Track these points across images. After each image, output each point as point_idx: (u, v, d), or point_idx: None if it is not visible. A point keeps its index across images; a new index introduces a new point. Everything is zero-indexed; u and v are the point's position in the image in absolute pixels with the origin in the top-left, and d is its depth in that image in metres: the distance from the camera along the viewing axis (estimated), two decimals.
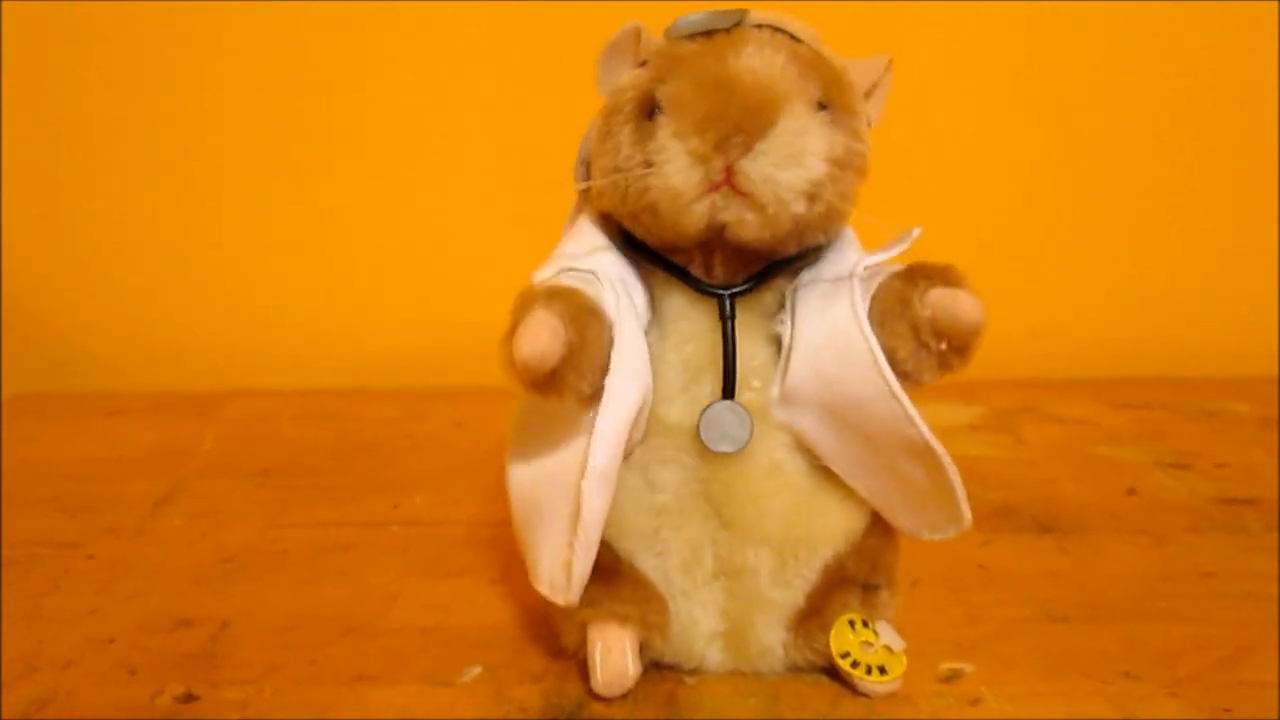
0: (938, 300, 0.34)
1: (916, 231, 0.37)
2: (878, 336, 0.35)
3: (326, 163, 0.81)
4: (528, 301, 0.33)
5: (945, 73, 0.77)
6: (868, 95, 0.38)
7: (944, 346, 0.34)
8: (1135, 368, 0.80)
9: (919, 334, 0.34)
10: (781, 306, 0.38)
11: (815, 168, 0.34)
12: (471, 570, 0.50)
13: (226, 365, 0.84)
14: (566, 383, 0.33)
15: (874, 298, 0.35)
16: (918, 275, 0.35)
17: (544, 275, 0.37)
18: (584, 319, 0.34)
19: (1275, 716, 0.37)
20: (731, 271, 0.37)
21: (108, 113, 0.80)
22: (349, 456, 0.66)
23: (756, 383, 0.37)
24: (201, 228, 0.82)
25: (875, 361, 0.34)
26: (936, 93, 0.77)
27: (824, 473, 0.38)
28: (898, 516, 0.38)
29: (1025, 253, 0.77)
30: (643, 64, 0.37)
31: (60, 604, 0.47)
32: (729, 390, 0.36)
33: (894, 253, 0.36)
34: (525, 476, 0.38)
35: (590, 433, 0.34)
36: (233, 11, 0.77)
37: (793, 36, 0.36)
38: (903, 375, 0.35)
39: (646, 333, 0.38)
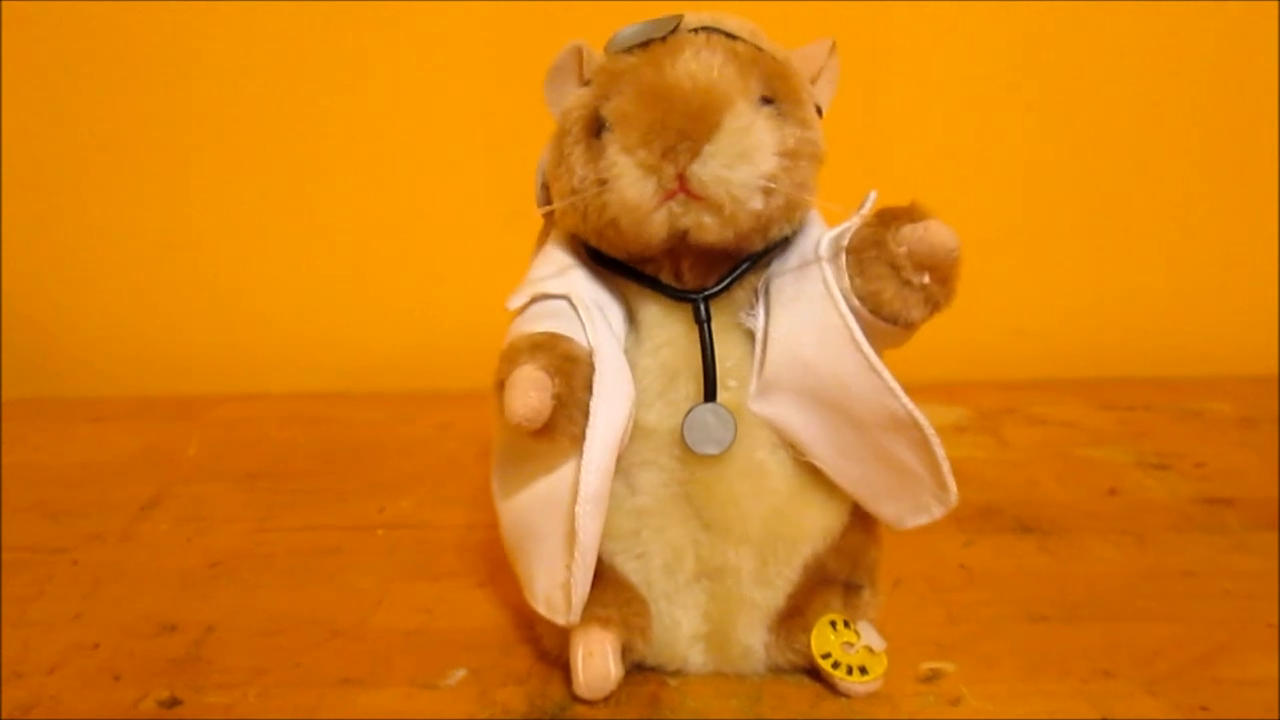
0: (910, 234, 0.34)
1: (873, 195, 0.37)
2: (859, 284, 0.35)
3: (313, 169, 0.81)
4: (513, 356, 0.34)
5: (933, 73, 0.77)
6: (814, 81, 0.38)
7: (926, 279, 0.35)
8: (1118, 368, 0.80)
9: (900, 272, 0.35)
10: (753, 302, 0.38)
11: (766, 162, 0.34)
12: (457, 573, 0.50)
13: (212, 369, 0.84)
14: (560, 429, 0.34)
15: (848, 251, 0.36)
16: (886, 217, 0.35)
17: (517, 301, 0.38)
18: (567, 368, 0.34)
19: (1252, 714, 0.38)
20: (702, 274, 0.38)
21: (96, 119, 0.80)
22: (335, 460, 0.66)
23: (733, 382, 0.37)
24: (187, 233, 0.82)
25: (852, 337, 0.35)
26: (924, 93, 0.77)
27: (804, 471, 0.38)
28: (881, 503, 0.38)
29: (1009, 254, 0.77)
30: (587, 83, 0.37)
31: (45, 609, 0.47)
32: (710, 393, 0.37)
33: (854, 222, 0.36)
34: (514, 498, 0.38)
35: (578, 455, 0.35)
36: (226, 16, 0.77)
37: (730, 35, 0.36)
38: (891, 318, 0.35)
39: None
